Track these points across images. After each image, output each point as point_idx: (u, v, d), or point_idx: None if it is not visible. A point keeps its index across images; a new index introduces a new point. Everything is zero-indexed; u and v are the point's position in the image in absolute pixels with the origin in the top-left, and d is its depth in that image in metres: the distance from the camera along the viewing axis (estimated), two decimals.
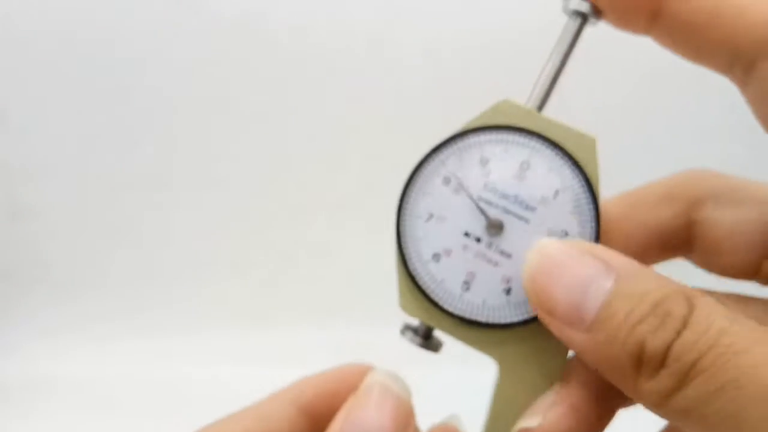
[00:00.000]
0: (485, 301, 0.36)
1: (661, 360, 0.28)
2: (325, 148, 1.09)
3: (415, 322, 0.38)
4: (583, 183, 0.35)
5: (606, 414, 0.36)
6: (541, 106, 0.36)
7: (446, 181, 0.36)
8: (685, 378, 0.27)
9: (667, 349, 0.28)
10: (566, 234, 0.35)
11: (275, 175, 1.10)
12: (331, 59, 1.07)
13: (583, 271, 0.30)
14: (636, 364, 0.29)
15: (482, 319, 0.36)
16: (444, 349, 0.39)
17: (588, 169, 0.35)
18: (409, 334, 0.38)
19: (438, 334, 0.38)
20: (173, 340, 1.09)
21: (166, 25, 1.06)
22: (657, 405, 0.29)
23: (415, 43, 1.06)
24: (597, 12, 0.35)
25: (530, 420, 0.35)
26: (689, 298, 0.29)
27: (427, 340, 0.38)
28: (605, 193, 0.36)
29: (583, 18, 0.36)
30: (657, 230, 0.38)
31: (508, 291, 0.35)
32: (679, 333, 0.28)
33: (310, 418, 0.41)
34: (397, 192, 0.37)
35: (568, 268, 0.31)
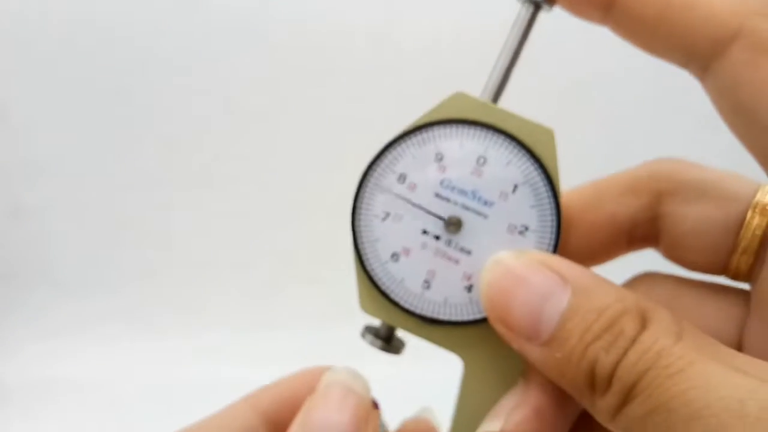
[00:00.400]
0: (447, 299, 0.35)
1: (609, 379, 0.28)
2: (325, 148, 1.09)
3: (375, 323, 0.37)
4: (543, 176, 0.34)
5: (569, 414, 0.34)
6: (496, 98, 0.35)
7: (401, 178, 0.35)
8: (626, 398, 0.27)
9: (615, 368, 0.27)
10: (527, 229, 0.34)
11: (275, 175, 1.10)
12: (331, 59, 1.07)
13: (539, 285, 0.30)
14: (590, 381, 0.28)
15: (444, 317, 0.35)
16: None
17: (547, 162, 0.34)
18: (369, 337, 0.37)
19: (400, 334, 0.38)
20: (174, 340, 1.09)
21: (166, 25, 1.06)
22: (607, 422, 0.29)
23: (415, 42, 1.06)
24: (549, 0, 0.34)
25: (493, 423, 0.34)
26: (644, 313, 0.28)
27: (388, 342, 0.37)
28: (565, 186, 0.35)
29: (536, 6, 0.35)
30: (623, 222, 0.37)
31: (469, 288, 0.35)
32: (626, 352, 0.27)
33: (272, 424, 0.40)
34: None
35: (523, 283, 0.30)
